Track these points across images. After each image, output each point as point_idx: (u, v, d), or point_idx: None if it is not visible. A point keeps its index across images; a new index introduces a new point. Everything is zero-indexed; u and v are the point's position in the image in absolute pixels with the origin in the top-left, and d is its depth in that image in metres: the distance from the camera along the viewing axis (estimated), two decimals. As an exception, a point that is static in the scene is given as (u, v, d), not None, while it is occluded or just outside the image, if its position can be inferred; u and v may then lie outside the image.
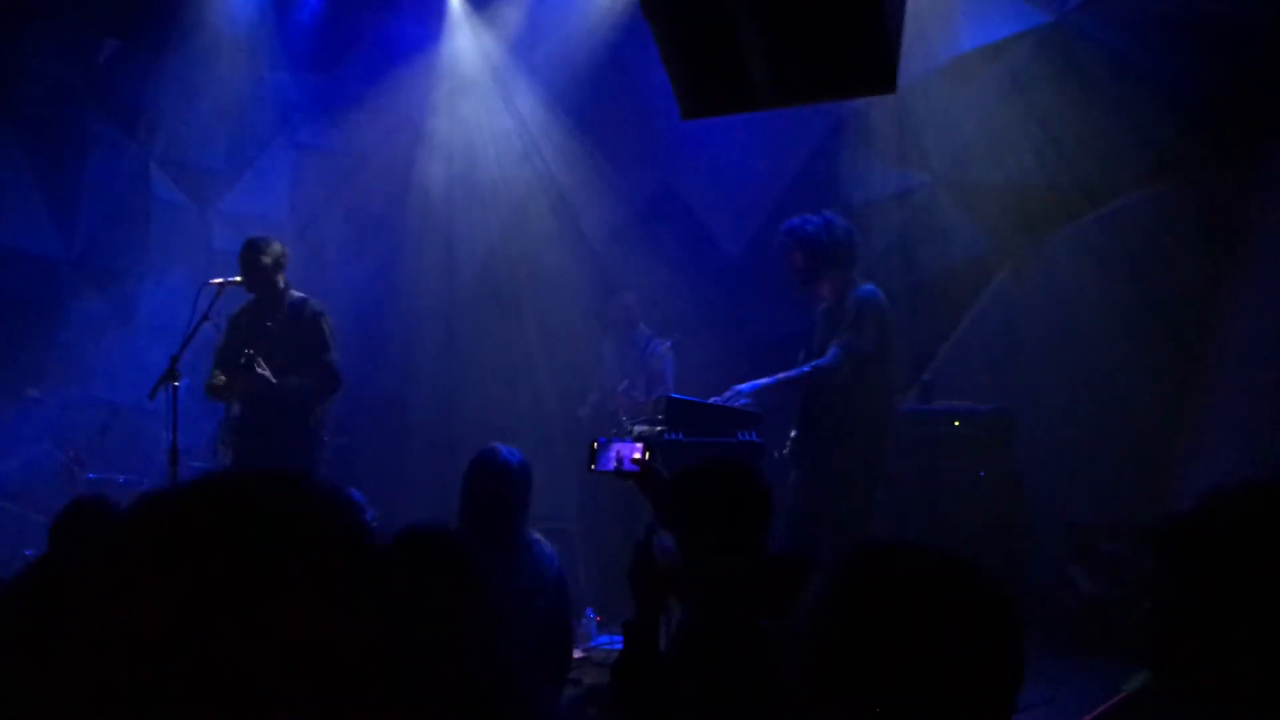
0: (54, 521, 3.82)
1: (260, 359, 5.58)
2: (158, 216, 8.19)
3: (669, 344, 6.91)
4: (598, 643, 5.99)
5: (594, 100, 7.96)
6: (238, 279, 5.78)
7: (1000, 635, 1.41)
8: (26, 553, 6.42)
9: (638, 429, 5.59)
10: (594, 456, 3.42)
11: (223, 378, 5.81)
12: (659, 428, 5.40)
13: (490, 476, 3.99)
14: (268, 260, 5.83)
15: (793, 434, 5.24)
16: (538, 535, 4.13)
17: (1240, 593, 1.58)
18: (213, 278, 5.82)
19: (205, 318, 5.50)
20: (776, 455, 5.29)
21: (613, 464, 3.35)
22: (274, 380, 5.57)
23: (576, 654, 4.91)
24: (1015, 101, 6.51)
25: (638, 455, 3.31)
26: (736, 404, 5.20)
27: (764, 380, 5.24)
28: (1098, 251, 6.27)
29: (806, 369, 5.14)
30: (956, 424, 6.05)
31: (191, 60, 7.92)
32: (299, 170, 8.78)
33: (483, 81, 8.35)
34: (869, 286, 5.18)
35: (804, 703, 1.41)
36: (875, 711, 1.37)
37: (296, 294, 5.95)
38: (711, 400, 5.33)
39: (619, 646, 5.30)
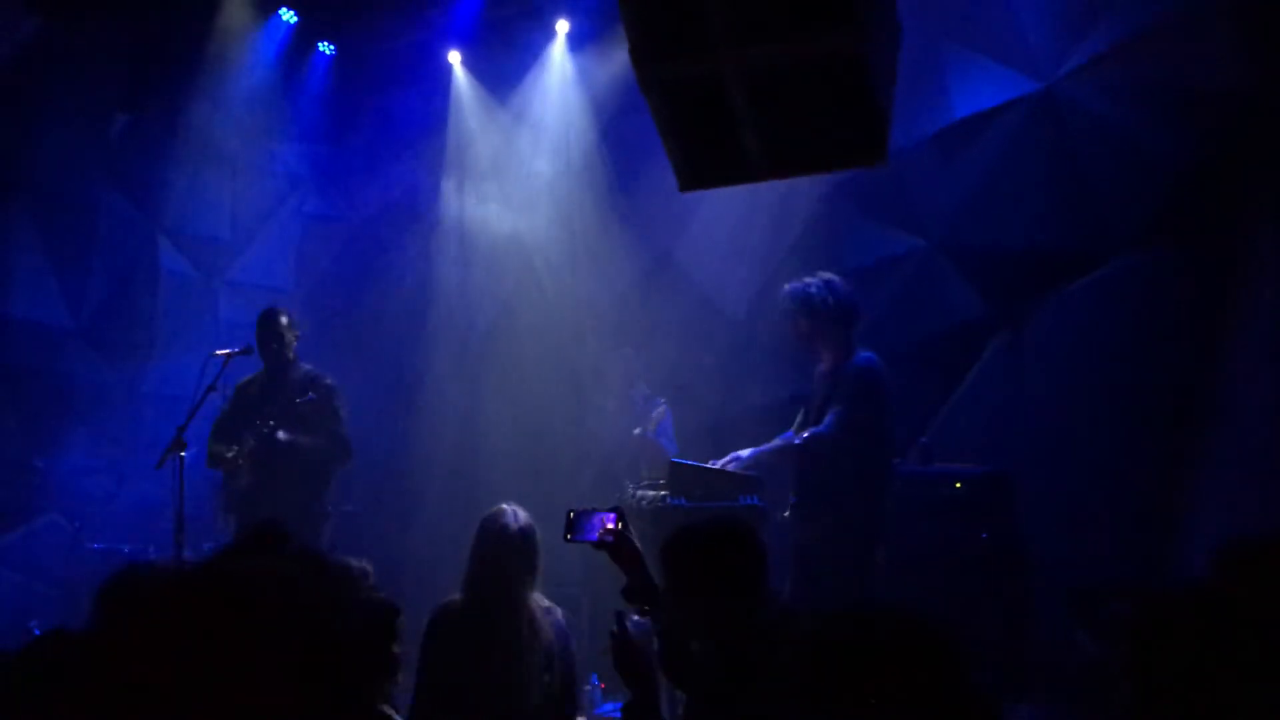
0: (102, 589, 3.80)
1: (281, 429, 5.65)
2: (165, 287, 8.28)
3: (664, 402, 7.01)
4: (602, 710, 5.96)
5: (594, 168, 8.11)
6: (244, 349, 5.85)
7: (965, 703, 1.45)
8: (30, 624, 6.42)
9: (640, 493, 5.62)
10: (570, 525, 3.39)
11: (233, 448, 5.86)
12: (662, 492, 5.43)
13: (491, 540, 4.00)
14: (282, 331, 5.91)
15: (792, 500, 5.26)
16: (548, 603, 4.11)
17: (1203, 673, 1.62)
18: (219, 348, 5.90)
19: (212, 388, 5.57)
20: (778, 519, 5.31)
21: (594, 534, 3.31)
22: (289, 438, 5.65)
23: (580, 721, 4.88)
24: (1008, 166, 6.61)
25: (610, 525, 3.28)
26: (736, 468, 5.24)
27: (763, 447, 5.28)
28: (1093, 314, 6.33)
29: (804, 436, 5.17)
30: (958, 485, 6.06)
31: (199, 132, 8.07)
32: (305, 240, 8.90)
33: (487, 149, 8.50)
34: (867, 355, 5.21)
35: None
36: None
37: (306, 366, 6.02)
38: (711, 464, 5.37)
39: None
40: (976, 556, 5.87)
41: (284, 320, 5.94)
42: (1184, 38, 6.00)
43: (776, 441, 5.32)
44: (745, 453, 5.25)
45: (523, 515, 4.07)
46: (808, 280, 5.31)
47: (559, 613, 4.07)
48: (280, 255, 8.80)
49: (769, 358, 7.03)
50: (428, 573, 6.42)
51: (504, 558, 3.96)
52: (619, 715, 5.32)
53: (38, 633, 6.21)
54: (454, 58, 8.42)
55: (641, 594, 3.21)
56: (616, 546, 3.25)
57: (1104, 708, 1.72)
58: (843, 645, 1.49)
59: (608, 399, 7.55)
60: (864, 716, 1.42)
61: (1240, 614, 1.68)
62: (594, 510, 3.36)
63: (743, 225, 7.49)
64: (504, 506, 4.09)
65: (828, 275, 5.34)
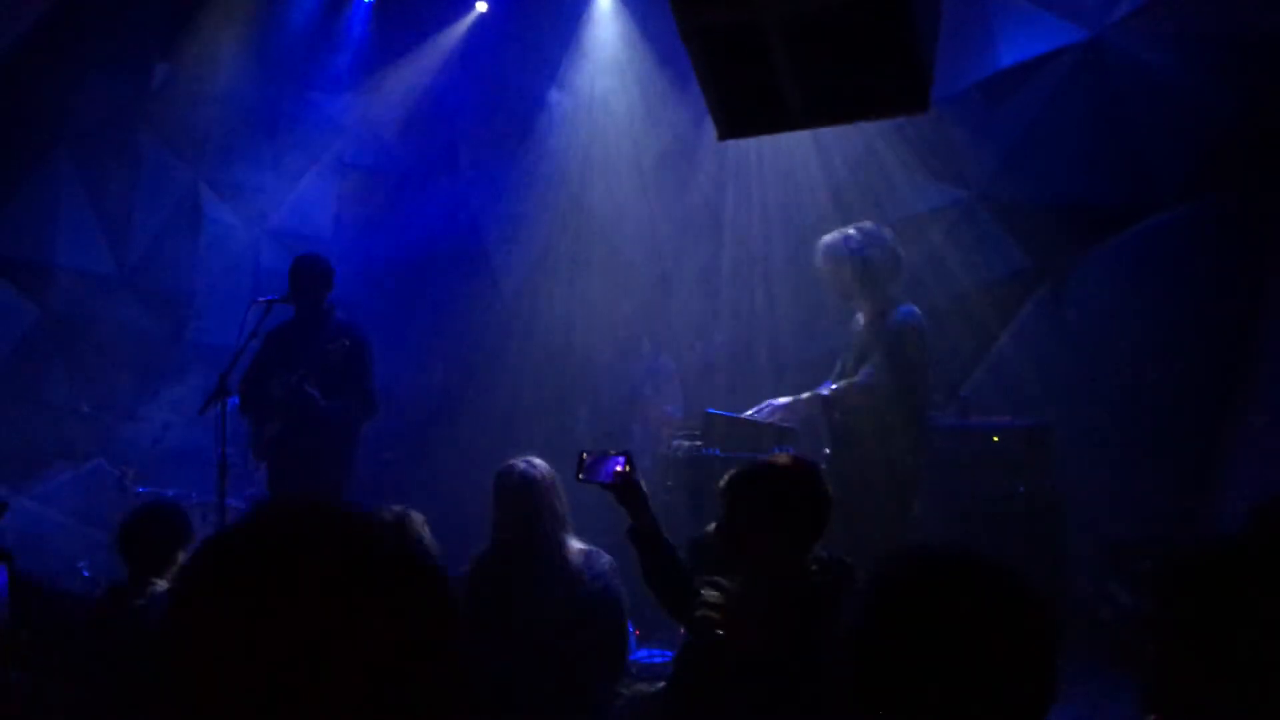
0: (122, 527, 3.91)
1: (309, 382, 5.65)
2: (207, 235, 8.36)
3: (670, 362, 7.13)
4: (636, 656, 5.99)
5: (629, 117, 8.06)
6: (285, 297, 5.86)
7: (1038, 639, 1.44)
8: (79, 565, 6.57)
9: (675, 443, 5.63)
10: (582, 467, 3.46)
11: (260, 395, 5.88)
12: (697, 442, 5.43)
13: (510, 494, 4.03)
14: (315, 279, 5.91)
15: (826, 451, 5.22)
16: (586, 546, 4.11)
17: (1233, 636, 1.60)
18: (260, 295, 5.94)
19: (254, 334, 5.61)
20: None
21: (604, 476, 3.39)
22: (322, 402, 5.65)
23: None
24: (1053, 117, 6.50)
25: (619, 468, 3.36)
26: (770, 418, 5.20)
27: (798, 397, 5.22)
28: (1136, 266, 6.25)
29: (834, 388, 5.12)
30: (995, 439, 6.03)
31: (240, 82, 8.09)
32: (344, 188, 8.94)
33: (521, 102, 8.47)
34: (909, 307, 5.10)
35: (848, 706, 1.46)
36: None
37: (341, 316, 6.02)
38: (747, 414, 5.35)
39: (659, 660, 5.35)
40: (1014, 510, 5.85)
41: (311, 268, 5.93)
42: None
43: (812, 392, 5.27)
44: (780, 401, 5.20)
45: (539, 465, 4.08)
46: (848, 231, 5.20)
47: (604, 557, 4.04)
48: (320, 204, 8.84)
49: (809, 308, 7.00)
50: (464, 522, 6.49)
51: (530, 510, 3.99)
52: (654, 659, 5.39)
53: (86, 574, 6.37)
54: (480, 6, 8.38)
55: (645, 535, 3.30)
56: (624, 488, 3.34)
57: (1140, 662, 1.69)
58: (919, 591, 1.48)
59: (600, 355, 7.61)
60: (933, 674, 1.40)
61: (1270, 570, 1.65)
62: (605, 453, 3.45)
63: (784, 175, 7.42)
64: (514, 461, 4.09)
65: (869, 226, 5.24)
